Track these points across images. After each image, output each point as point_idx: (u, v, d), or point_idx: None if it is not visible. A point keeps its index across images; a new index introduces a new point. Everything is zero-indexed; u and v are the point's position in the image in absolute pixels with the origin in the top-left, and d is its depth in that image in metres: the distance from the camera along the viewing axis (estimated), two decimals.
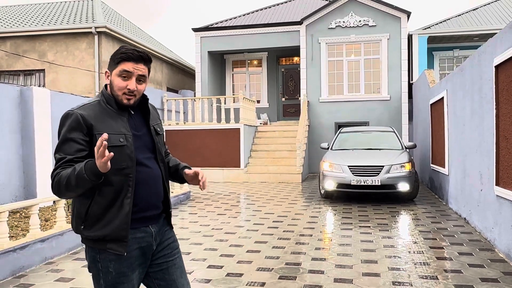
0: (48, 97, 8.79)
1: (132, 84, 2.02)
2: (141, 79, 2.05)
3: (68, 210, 7.42)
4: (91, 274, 2.09)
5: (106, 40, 13.96)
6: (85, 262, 4.86)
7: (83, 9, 16.01)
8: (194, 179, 2.23)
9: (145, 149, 2.12)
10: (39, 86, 13.93)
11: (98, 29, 13.56)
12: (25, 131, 8.29)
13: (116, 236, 1.97)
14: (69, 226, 5.49)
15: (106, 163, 1.76)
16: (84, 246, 2.13)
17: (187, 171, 2.25)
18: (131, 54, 2.00)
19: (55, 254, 5.12)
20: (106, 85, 2.12)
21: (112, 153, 1.76)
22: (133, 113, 2.12)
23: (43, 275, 4.47)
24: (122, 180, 1.97)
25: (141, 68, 2.03)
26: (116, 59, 2.02)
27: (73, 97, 10.02)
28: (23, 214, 7.12)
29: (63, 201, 5.60)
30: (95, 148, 1.76)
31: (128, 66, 2.00)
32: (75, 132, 1.95)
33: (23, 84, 14.09)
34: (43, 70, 14.09)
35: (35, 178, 8.30)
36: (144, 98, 2.16)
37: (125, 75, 2.01)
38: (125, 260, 2.01)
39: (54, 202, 7.44)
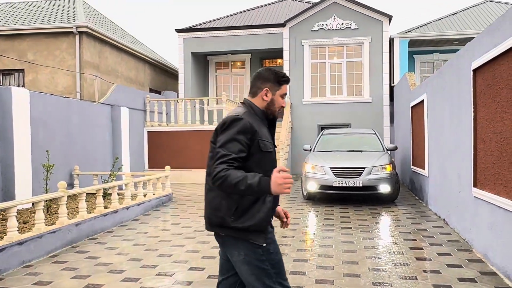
0: (28, 97, 8.64)
1: (284, 102, 2.50)
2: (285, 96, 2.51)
3: (48, 212, 7.31)
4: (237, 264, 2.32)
5: (87, 40, 13.78)
6: (64, 265, 4.81)
7: (64, 9, 15.78)
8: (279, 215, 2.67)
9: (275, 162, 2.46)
10: (18, 86, 13.68)
11: (79, 29, 13.38)
12: (3, 133, 8.13)
13: (259, 227, 2.25)
14: (49, 228, 5.41)
15: (283, 192, 2.06)
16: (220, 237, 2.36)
17: (278, 208, 2.63)
18: (287, 78, 2.48)
19: (33, 257, 5.03)
20: (246, 98, 2.54)
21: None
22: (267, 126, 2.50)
23: (21, 279, 4.39)
24: None
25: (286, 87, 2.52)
26: (281, 82, 2.45)
27: (53, 98, 9.88)
28: (0, 216, 6.98)
29: (42, 203, 5.51)
30: (280, 177, 2.05)
31: (286, 89, 2.49)
32: (242, 135, 2.24)
33: (1, 84, 13.83)
34: (23, 70, 13.84)
35: (13, 180, 8.13)
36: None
37: (283, 96, 2.48)
38: (267, 246, 2.32)
39: (32, 204, 7.33)
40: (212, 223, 2.34)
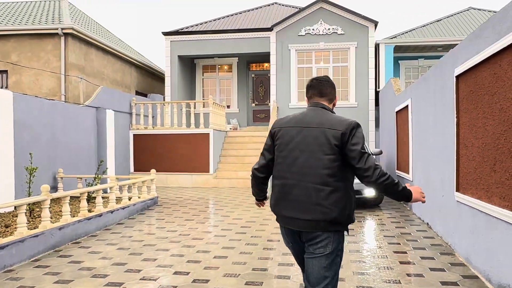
0: (11, 99, 8.52)
1: None
2: None
3: (30, 215, 7.20)
4: (328, 257, 2.48)
5: (73, 42, 13.66)
6: (46, 270, 4.75)
7: (49, 10, 15.61)
8: None
9: None
10: (1, 87, 13.47)
11: (64, 31, 13.25)
12: None
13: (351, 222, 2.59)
14: (31, 232, 5.34)
15: (421, 200, 2.53)
16: (325, 234, 2.50)
17: None
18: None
19: (15, 262, 4.96)
20: (323, 104, 2.69)
21: None
22: None
23: (2, 284, 4.32)
24: None
25: None
26: None
27: (37, 100, 9.75)
28: None
29: (24, 206, 5.44)
30: (419, 188, 2.56)
31: None
32: None
33: None
34: (6, 71, 13.64)
35: None
36: None
37: None
38: None
39: (15, 207, 7.22)
40: (338, 221, 2.47)
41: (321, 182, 2.43)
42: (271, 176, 2.76)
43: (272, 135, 2.68)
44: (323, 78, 2.74)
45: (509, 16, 3.76)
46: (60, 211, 7.66)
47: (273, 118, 14.55)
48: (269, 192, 2.77)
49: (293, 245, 2.66)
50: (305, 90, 2.80)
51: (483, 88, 4.40)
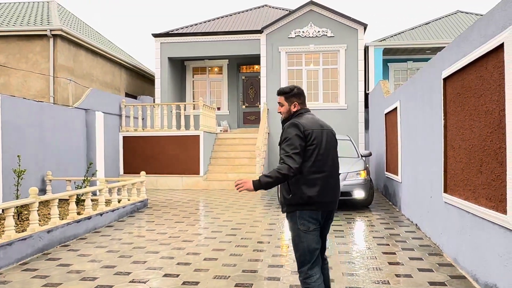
0: None
1: (279, 108, 3.38)
2: (279, 104, 3.37)
3: (18, 218, 7.13)
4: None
5: (62, 43, 13.56)
6: (35, 273, 4.72)
7: (38, 11, 15.49)
8: None
9: None
10: None
11: (53, 32, 13.15)
12: None
13: None
14: (19, 235, 5.29)
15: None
16: None
17: None
18: (278, 91, 3.41)
19: (2, 265, 4.91)
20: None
21: None
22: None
23: None
24: None
25: (278, 99, 3.37)
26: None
27: (25, 102, 9.66)
28: None
29: (12, 209, 5.39)
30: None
31: (278, 99, 3.39)
32: None
33: None
34: None
35: None
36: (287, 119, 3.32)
37: (279, 104, 3.40)
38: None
39: (2, 210, 7.14)
40: None
41: (338, 172, 3.29)
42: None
43: (306, 136, 3.08)
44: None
45: (494, 19, 3.82)
46: (49, 213, 7.60)
47: (263, 120, 14.59)
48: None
49: (319, 226, 3.18)
50: (295, 95, 3.28)
51: (469, 91, 4.46)
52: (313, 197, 3.05)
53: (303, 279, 3.10)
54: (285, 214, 3.22)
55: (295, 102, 3.28)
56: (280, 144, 3.12)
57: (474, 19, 17.69)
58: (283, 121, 3.33)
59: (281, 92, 3.33)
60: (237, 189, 3.05)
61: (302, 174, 3.03)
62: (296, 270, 3.26)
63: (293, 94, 3.29)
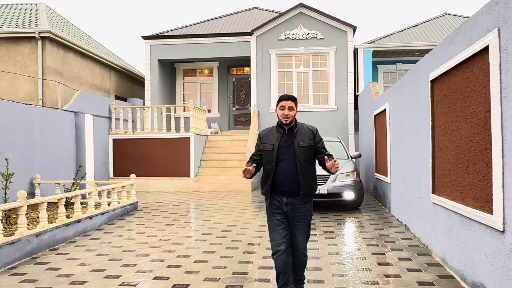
0: None
1: (281, 114, 3.66)
2: (290, 109, 3.66)
3: (7, 222, 7.07)
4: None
5: (50, 45, 13.46)
6: (23, 277, 4.69)
7: (26, 13, 15.37)
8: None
9: (289, 154, 3.63)
10: None
11: (42, 34, 13.06)
12: None
13: (265, 195, 3.74)
14: (7, 239, 5.25)
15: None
16: None
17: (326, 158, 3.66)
18: (280, 97, 3.72)
19: None
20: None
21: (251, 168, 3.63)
22: (286, 132, 3.70)
23: None
24: (269, 169, 3.67)
25: (290, 103, 3.65)
26: (278, 100, 3.73)
27: (14, 104, 9.59)
28: None
29: (0, 213, 5.33)
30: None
31: (282, 103, 3.68)
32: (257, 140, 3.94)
33: None
34: None
35: None
36: (295, 123, 3.72)
37: (281, 108, 3.69)
38: (269, 207, 3.76)
39: None
40: None
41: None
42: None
43: None
44: None
45: (480, 22, 3.88)
46: (38, 217, 7.54)
47: (253, 122, 14.61)
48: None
49: None
50: (296, 102, 3.65)
51: (456, 92, 4.52)
52: None
53: (307, 253, 3.89)
54: (271, 212, 3.73)
55: (295, 109, 3.73)
56: (315, 140, 3.73)
57: (461, 21, 17.89)
58: (287, 125, 3.67)
59: (293, 98, 3.68)
60: (337, 169, 3.62)
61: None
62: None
63: (295, 101, 3.70)
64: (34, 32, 13.03)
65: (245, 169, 3.57)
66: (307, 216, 3.75)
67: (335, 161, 3.57)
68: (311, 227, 7.17)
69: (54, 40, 13.58)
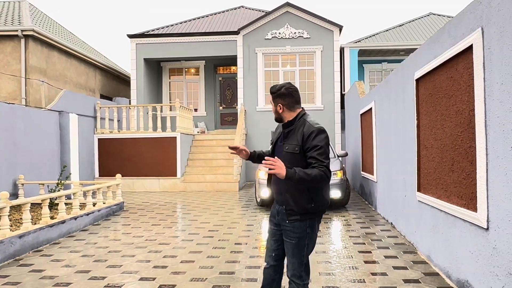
0: None
1: (273, 109, 3.13)
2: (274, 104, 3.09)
3: None
4: None
5: (34, 44, 13.26)
6: (6, 280, 4.62)
7: (8, 11, 15.10)
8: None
9: (280, 157, 2.85)
10: None
11: (25, 32, 12.85)
12: None
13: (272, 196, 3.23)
14: None
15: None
16: None
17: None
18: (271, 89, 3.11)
19: None
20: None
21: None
22: (285, 131, 3.05)
23: None
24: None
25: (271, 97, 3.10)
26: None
27: None
28: None
29: None
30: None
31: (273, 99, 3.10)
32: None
33: None
34: None
35: None
36: (292, 122, 3.02)
37: (272, 104, 3.14)
38: (270, 212, 3.22)
39: None
40: None
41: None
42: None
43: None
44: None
45: (464, 22, 3.92)
46: (21, 218, 7.41)
47: (240, 122, 14.58)
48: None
49: None
50: (296, 97, 3.01)
51: (441, 91, 4.56)
52: (326, 205, 2.98)
53: (304, 284, 2.92)
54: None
55: (280, 104, 3.02)
56: (304, 147, 2.85)
57: (446, 21, 18.10)
58: (279, 122, 3.15)
59: (274, 90, 3.04)
60: (267, 167, 2.67)
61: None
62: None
63: (278, 95, 3.00)
64: (17, 31, 12.81)
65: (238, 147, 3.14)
66: (295, 235, 2.89)
67: (273, 162, 2.67)
68: None
69: (37, 39, 13.38)
